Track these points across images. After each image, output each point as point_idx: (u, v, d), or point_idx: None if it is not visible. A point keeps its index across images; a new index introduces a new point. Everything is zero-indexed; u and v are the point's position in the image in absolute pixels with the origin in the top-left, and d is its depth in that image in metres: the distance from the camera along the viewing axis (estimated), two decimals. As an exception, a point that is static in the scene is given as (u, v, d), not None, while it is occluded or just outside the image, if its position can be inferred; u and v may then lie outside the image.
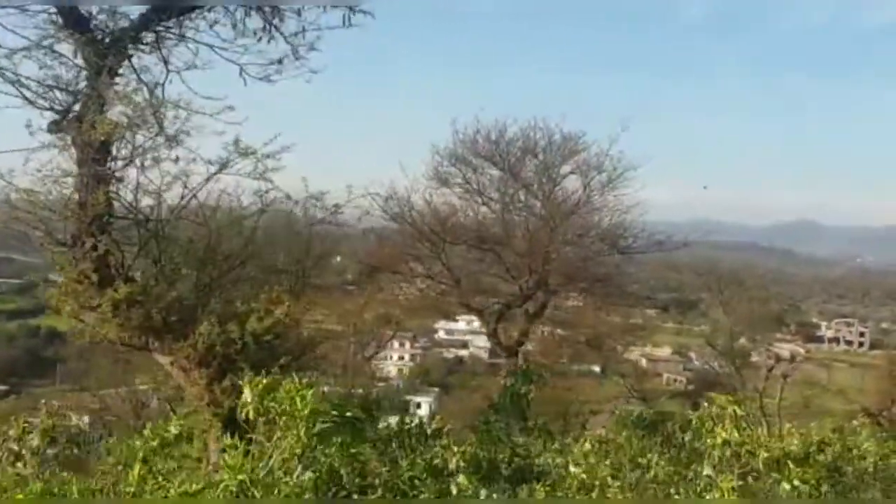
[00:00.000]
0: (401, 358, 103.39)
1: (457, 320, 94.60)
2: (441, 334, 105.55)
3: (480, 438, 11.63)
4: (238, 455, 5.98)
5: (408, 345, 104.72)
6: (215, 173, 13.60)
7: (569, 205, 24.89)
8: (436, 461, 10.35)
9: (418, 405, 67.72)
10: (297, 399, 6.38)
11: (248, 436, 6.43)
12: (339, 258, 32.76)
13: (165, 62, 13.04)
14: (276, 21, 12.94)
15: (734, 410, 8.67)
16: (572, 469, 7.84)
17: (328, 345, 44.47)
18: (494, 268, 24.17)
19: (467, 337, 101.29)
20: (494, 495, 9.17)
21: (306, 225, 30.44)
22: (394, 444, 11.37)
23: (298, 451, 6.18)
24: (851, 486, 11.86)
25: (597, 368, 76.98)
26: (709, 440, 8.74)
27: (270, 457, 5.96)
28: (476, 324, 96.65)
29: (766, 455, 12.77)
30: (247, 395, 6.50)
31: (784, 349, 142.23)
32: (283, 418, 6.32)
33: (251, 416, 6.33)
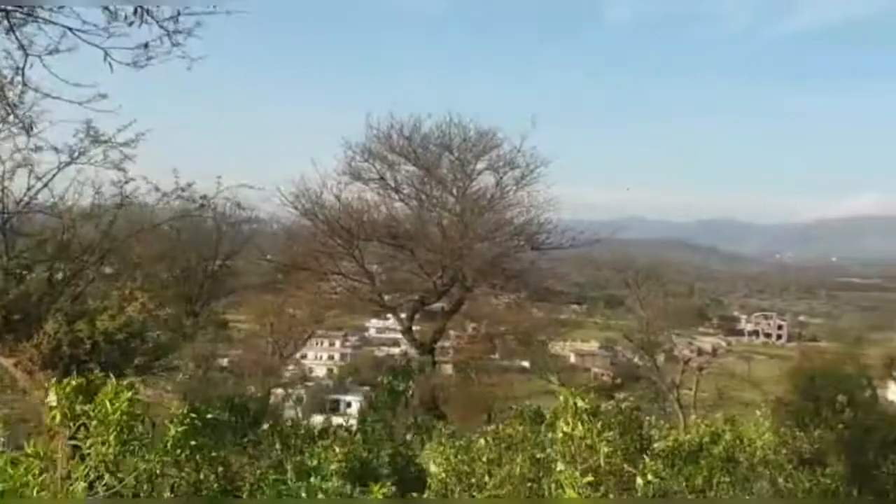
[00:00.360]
0: (330, 357, 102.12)
1: (388, 318, 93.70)
2: (372, 332, 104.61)
3: (364, 438, 11.24)
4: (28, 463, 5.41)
5: (338, 343, 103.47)
6: (67, 164, 12.64)
7: (483, 201, 24.56)
8: (314, 462, 9.90)
9: (348, 404, 66.79)
10: (108, 403, 5.84)
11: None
12: (269, 256, 31.88)
13: (23, 46, 12.03)
14: (149, 6, 12.08)
15: (574, 403, 8.38)
16: (432, 468, 7.48)
17: (245, 345, 43.53)
18: (408, 265, 23.64)
19: (399, 335, 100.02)
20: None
21: (216, 224, 29.67)
22: (277, 446, 10.89)
23: (110, 457, 5.64)
24: (744, 476, 11.84)
25: (526, 364, 77.43)
26: (550, 434, 8.48)
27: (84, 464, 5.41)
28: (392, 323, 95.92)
29: (664, 446, 12.75)
30: (51, 398, 5.90)
31: (706, 342, 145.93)
32: (94, 423, 5.78)
33: (57, 420, 5.76)
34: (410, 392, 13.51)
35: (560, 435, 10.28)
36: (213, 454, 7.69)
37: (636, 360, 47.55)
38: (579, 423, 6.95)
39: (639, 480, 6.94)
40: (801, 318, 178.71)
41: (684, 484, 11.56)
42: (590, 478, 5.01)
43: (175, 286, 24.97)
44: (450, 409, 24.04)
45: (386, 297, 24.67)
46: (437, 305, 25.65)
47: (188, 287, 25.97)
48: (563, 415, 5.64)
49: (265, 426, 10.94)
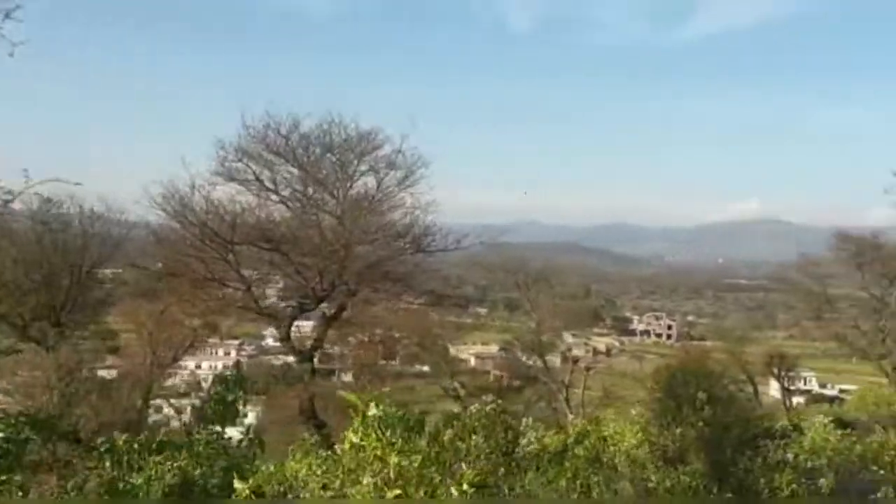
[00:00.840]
0: (225, 367, 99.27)
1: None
2: (269, 341, 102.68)
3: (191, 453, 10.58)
4: None
5: (233, 353, 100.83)
6: None
7: (364, 202, 23.95)
8: (139, 481, 9.18)
9: (245, 415, 64.80)
10: None
11: None
12: (137, 262, 30.19)
13: None
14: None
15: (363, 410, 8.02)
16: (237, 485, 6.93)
17: (122, 355, 41.37)
18: (286, 269, 22.73)
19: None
20: None
21: (82, 228, 28.02)
22: (107, 462, 10.04)
23: None
24: (608, 476, 11.79)
25: (426, 368, 77.33)
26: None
27: None
28: (306, 329, 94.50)
29: (536, 448, 12.61)
30: None
31: (601, 342, 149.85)
32: None
33: None
34: (242, 402, 12.78)
35: (347, 446, 9.91)
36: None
37: (526, 360, 47.82)
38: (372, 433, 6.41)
39: (452, 491, 6.48)
40: (690, 318, 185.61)
41: (549, 486, 11.45)
42: (396, 490, 4.56)
43: (36, 294, 23.45)
44: (335, 417, 23.34)
45: (267, 303, 23.69)
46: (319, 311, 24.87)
47: (51, 295, 24.45)
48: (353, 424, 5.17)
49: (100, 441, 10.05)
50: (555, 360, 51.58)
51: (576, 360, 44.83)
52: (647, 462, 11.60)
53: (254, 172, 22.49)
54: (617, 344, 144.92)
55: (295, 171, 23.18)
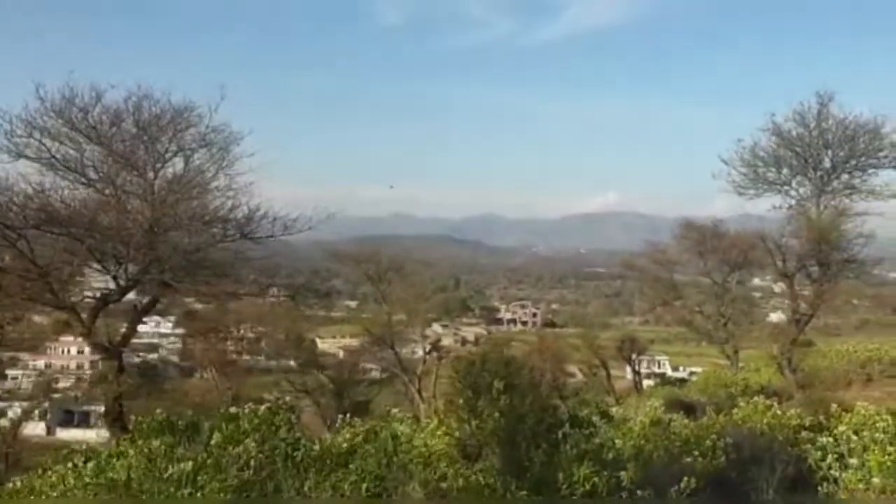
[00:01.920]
0: (79, 366, 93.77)
1: (144, 322, 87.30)
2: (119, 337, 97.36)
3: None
4: None
5: (87, 350, 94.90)
6: None
7: (176, 185, 21.94)
8: None
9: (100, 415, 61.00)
10: None
11: None
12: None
13: None
14: None
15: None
16: None
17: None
18: (90, 258, 20.38)
19: (156, 340, 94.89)
20: None
21: None
22: None
23: None
24: (397, 478, 10.73)
25: (292, 363, 75.58)
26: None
27: None
28: (168, 325, 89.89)
29: (313, 451, 11.39)
30: None
31: (469, 332, 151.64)
32: None
33: None
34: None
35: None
36: None
37: (378, 353, 46.80)
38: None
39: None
40: (554, 306, 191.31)
41: (333, 491, 10.27)
42: None
43: None
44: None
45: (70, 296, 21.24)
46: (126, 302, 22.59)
47: None
48: None
49: None
50: (417, 351, 51.12)
51: (428, 352, 44.08)
52: (441, 460, 10.54)
53: (48, 149, 19.99)
54: (485, 333, 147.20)
55: (97, 148, 20.85)
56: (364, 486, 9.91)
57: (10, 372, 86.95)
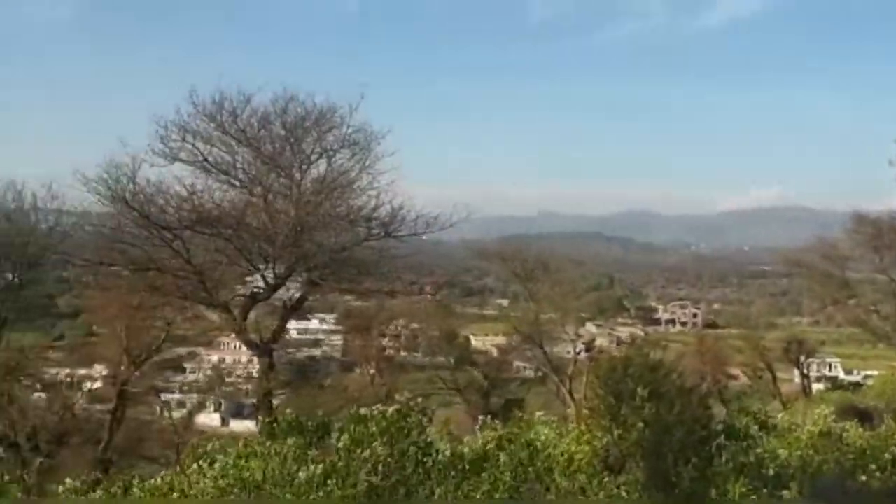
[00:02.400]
0: (249, 360, 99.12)
1: (309, 319, 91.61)
2: (293, 334, 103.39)
3: None
4: None
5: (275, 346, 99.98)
6: None
7: (323, 185, 22.24)
8: None
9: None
10: None
11: None
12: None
13: None
14: None
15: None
16: None
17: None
18: (235, 257, 21.02)
19: (320, 336, 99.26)
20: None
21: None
22: None
23: None
24: (532, 489, 10.01)
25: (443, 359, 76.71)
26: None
27: None
28: (330, 321, 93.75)
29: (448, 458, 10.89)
30: None
31: (624, 332, 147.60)
32: None
33: None
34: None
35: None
36: None
37: (527, 352, 46.04)
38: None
39: None
40: (716, 306, 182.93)
41: (464, 499, 9.73)
42: None
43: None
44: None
45: (221, 293, 22.03)
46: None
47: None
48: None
49: None
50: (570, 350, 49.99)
51: (579, 351, 42.83)
52: (582, 470, 9.77)
53: (200, 152, 20.80)
54: (641, 334, 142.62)
55: (246, 150, 21.48)
56: (497, 495, 9.35)
57: (188, 365, 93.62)
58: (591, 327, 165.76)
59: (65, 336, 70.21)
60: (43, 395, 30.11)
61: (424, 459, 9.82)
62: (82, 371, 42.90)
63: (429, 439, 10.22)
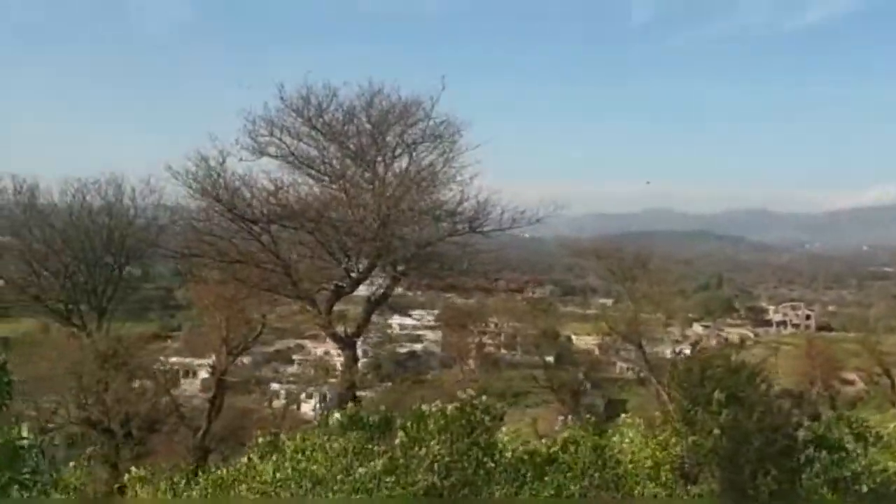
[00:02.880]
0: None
1: (409, 314, 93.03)
2: (395, 329, 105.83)
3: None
4: None
5: (358, 340, 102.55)
6: None
7: (407, 180, 22.03)
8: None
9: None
10: None
11: None
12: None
13: None
14: None
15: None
16: None
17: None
18: (321, 250, 21.04)
19: (420, 332, 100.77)
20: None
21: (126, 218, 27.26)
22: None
23: None
24: (599, 499, 9.36)
25: (550, 359, 76.15)
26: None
27: None
28: (430, 318, 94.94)
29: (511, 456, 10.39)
30: None
31: (733, 333, 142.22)
32: None
33: None
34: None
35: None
36: None
37: (621, 352, 44.70)
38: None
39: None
40: (831, 307, 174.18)
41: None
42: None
43: (77, 279, 22.84)
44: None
45: (306, 286, 22.14)
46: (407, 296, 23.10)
47: (93, 280, 23.82)
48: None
49: None
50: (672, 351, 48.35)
51: (679, 352, 41.19)
52: (654, 477, 9.11)
53: (287, 147, 20.95)
54: (751, 335, 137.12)
55: (332, 145, 21.51)
56: (560, 501, 8.82)
57: (296, 357, 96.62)
58: (698, 328, 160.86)
59: (181, 327, 73.34)
60: (148, 383, 31.27)
61: (485, 459, 9.38)
62: (197, 361, 44.35)
63: (493, 439, 9.77)
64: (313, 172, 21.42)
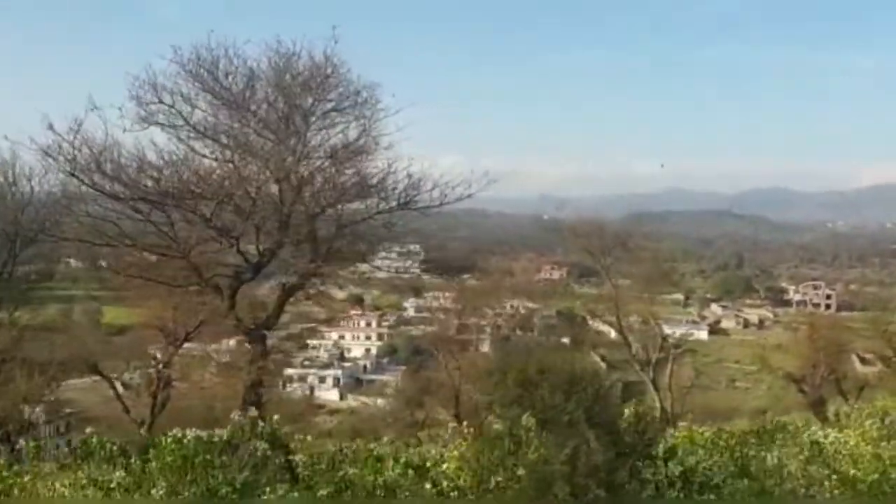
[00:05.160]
0: (367, 337, 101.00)
1: (424, 297, 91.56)
2: (411, 312, 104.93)
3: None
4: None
5: (374, 323, 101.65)
6: None
7: (327, 152, 19.82)
8: None
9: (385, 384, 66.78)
10: None
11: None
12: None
13: None
14: None
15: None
16: None
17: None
18: (218, 232, 18.79)
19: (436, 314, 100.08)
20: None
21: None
22: None
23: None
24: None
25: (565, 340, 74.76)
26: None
27: None
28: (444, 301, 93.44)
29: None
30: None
31: (752, 314, 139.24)
32: None
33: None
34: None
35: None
36: None
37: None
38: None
39: None
40: (853, 286, 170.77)
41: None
42: None
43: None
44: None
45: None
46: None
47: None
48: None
49: None
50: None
51: (665, 338, 38.86)
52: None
53: (181, 114, 18.65)
54: (770, 315, 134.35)
55: (234, 113, 19.25)
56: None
57: (311, 342, 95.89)
58: (716, 308, 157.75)
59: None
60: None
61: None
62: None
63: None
64: (210, 144, 19.12)
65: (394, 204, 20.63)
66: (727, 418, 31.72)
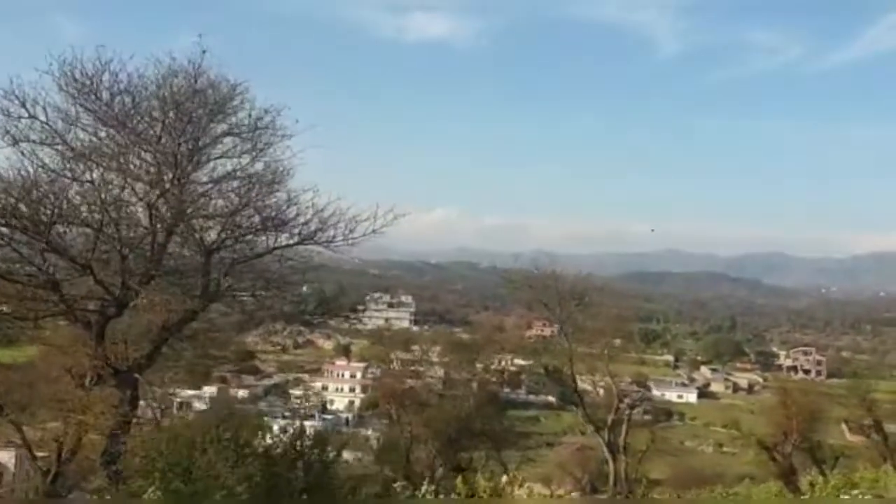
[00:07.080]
0: (351, 389, 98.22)
1: (412, 351, 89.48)
2: (396, 365, 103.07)
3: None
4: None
5: (359, 374, 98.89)
6: None
7: (214, 180, 18.06)
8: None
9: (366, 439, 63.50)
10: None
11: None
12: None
13: None
14: None
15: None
16: None
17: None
18: (74, 266, 16.78)
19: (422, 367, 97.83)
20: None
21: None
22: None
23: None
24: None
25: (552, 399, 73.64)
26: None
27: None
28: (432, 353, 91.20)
29: None
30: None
31: (742, 378, 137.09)
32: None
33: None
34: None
35: None
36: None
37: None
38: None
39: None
40: (845, 353, 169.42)
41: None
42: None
43: None
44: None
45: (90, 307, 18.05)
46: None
47: None
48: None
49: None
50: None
51: (621, 399, 36.81)
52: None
53: (55, 131, 16.89)
54: (760, 380, 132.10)
55: (116, 133, 17.54)
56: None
57: (294, 392, 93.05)
58: (706, 371, 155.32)
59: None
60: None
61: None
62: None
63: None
64: (82, 163, 17.28)
65: (296, 239, 18.77)
66: (711, 483, 29.86)
